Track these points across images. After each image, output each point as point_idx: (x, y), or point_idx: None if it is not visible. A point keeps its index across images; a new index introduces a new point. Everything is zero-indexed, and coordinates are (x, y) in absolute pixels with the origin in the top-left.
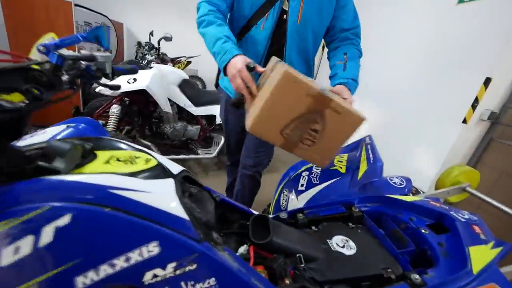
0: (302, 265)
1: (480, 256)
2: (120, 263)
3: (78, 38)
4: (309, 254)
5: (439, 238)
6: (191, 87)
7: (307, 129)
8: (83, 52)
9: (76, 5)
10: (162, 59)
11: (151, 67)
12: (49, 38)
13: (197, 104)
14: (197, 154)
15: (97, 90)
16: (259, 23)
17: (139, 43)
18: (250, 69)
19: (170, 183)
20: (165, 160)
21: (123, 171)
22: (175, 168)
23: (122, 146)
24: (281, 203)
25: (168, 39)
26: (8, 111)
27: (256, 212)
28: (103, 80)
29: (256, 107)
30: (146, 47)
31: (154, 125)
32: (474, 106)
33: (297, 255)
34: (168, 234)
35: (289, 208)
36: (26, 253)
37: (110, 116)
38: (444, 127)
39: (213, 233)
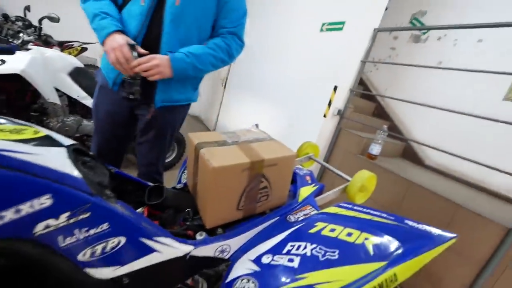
0: (190, 217)
1: (305, 192)
2: (9, 214)
3: None
4: (197, 210)
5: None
6: (87, 76)
7: (257, 192)
8: None
9: None
10: (46, 41)
11: (28, 49)
12: None
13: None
14: None
15: None
16: None
17: (4, 16)
18: (131, 47)
19: (61, 150)
20: (55, 134)
21: (11, 138)
22: (66, 141)
23: (10, 121)
24: (182, 178)
25: (54, 19)
26: None
27: (153, 184)
28: None
29: (203, 204)
30: (21, 24)
31: (33, 119)
32: (329, 105)
33: (187, 210)
34: (60, 188)
35: None
36: None
37: None
38: (313, 120)
39: (107, 190)
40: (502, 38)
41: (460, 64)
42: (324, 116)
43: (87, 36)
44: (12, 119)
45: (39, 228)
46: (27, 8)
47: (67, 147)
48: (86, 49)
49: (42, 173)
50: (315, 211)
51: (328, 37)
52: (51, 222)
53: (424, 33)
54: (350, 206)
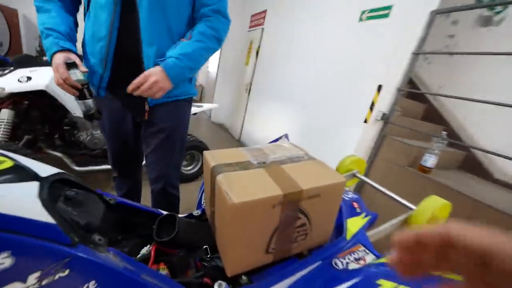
0: (208, 256)
1: (354, 225)
2: None
3: None
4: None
5: None
6: None
7: (293, 231)
8: None
9: None
10: None
11: None
12: None
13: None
14: None
15: None
16: None
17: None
18: (69, 65)
19: (31, 186)
20: (31, 162)
21: None
22: (46, 171)
23: None
24: (202, 203)
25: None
26: None
27: (166, 213)
28: None
29: (222, 245)
30: None
31: (67, 133)
32: (371, 108)
33: (204, 247)
34: (23, 242)
35: None
36: None
37: (0, 124)
38: (351, 126)
39: (95, 236)
40: None
41: None
42: (365, 121)
43: None
44: None
45: None
46: None
47: (43, 179)
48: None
49: None
50: (371, 256)
51: (369, 27)
52: (17, 286)
53: (498, 12)
54: None
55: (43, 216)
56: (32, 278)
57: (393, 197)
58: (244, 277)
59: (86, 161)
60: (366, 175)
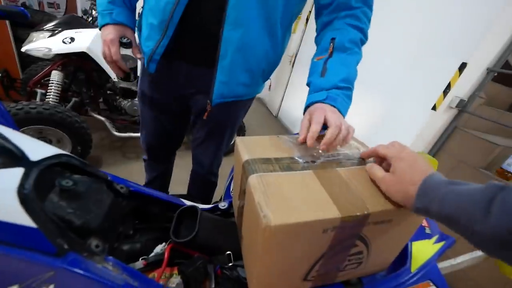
0: (230, 264)
1: (422, 251)
2: None
3: None
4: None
5: None
6: None
7: (343, 259)
8: None
9: None
10: None
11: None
12: None
13: None
14: None
15: (23, 50)
16: None
17: None
18: (123, 44)
19: (12, 175)
20: (26, 140)
21: None
22: (42, 152)
23: None
24: (231, 191)
25: None
26: None
27: (188, 204)
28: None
29: (249, 261)
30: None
31: (109, 97)
32: (445, 92)
33: (227, 252)
34: None
35: None
36: None
37: (50, 85)
38: (416, 113)
39: (92, 240)
40: None
41: None
42: (434, 108)
43: None
44: None
45: None
46: None
47: (31, 165)
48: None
49: None
50: None
51: None
52: None
53: None
54: None
55: (21, 217)
56: None
57: None
58: None
59: (126, 127)
60: None
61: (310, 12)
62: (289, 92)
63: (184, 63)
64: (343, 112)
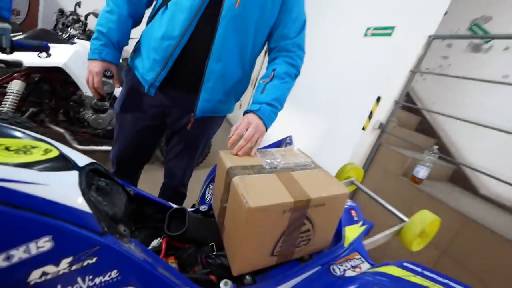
0: (214, 253)
1: (351, 233)
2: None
3: None
4: (221, 243)
5: None
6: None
7: (298, 235)
8: None
9: None
10: (89, 36)
11: (73, 43)
12: None
13: None
14: None
15: None
16: None
17: (61, 11)
18: (106, 76)
19: (72, 175)
20: (70, 151)
21: (13, 162)
22: (83, 160)
23: (16, 134)
24: (206, 198)
25: (97, 15)
26: None
27: (175, 206)
28: None
29: (231, 245)
30: (70, 18)
31: (71, 109)
32: (370, 117)
33: (210, 244)
34: (63, 228)
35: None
36: None
37: (8, 94)
38: (351, 132)
39: (120, 226)
40: None
41: None
42: (363, 129)
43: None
44: (26, 131)
45: (35, 276)
46: (78, 4)
47: (81, 169)
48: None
49: (43, 209)
50: (367, 265)
51: (373, 42)
52: (50, 269)
53: (486, 42)
54: (420, 269)
55: (82, 204)
56: (64, 263)
57: (387, 208)
58: (248, 277)
59: (87, 139)
60: (362, 181)
61: None
62: None
63: (173, 89)
64: (267, 123)
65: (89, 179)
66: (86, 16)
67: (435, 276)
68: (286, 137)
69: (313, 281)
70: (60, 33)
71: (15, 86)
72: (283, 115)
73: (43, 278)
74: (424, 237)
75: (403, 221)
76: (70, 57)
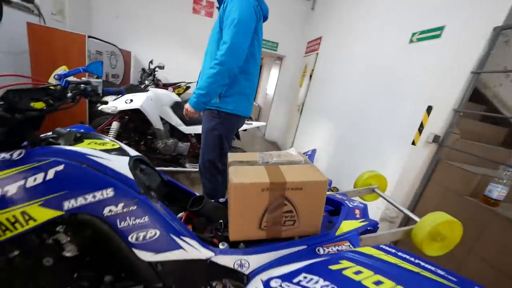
0: (222, 228)
1: (348, 226)
2: (89, 198)
3: (79, 70)
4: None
5: (331, 218)
6: (183, 108)
7: (280, 214)
8: (83, 78)
9: (89, 36)
10: (156, 84)
11: (147, 90)
12: (61, 69)
13: (187, 123)
14: (185, 167)
15: (99, 108)
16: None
17: (143, 69)
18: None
19: (125, 158)
20: (127, 148)
21: (97, 148)
22: (133, 153)
23: (101, 137)
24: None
25: (161, 67)
26: (36, 110)
27: (198, 194)
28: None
29: (229, 218)
30: (145, 73)
31: (148, 140)
32: (420, 130)
33: (220, 221)
34: (119, 185)
35: None
36: (39, 182)
37: (110, 131)
38: (398, 148)
39: (152, 192)
40: None
41: None
42: (413, 143)
43: (191, 77)
44: (105, 136)
45: (106, 210)
46: (151, 62)
47: (131, 157)
48: (189, 87)
49: (110, 173)
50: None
51: (420, 48)
52: (113, 208)
53: None
54: (394, 251)
55: (129, 174)
56: (120, 206)
57: (400, 209)
58: (242, 244)
59: (158, 163)
60: (417, 201)
61: (313, 70)
62: (298, 134)
63: None
64: (193, 106)
65: (136, 163)
66: (154, 69)
67: (407, 256)
68: (311, 150)
69: (297, 256)
70: (139, 85)
71: (114, 125)
72: (326, 130)
73: (110, 213)
74: (443, 242)
75: (415, 222)
76: (144, 100)
